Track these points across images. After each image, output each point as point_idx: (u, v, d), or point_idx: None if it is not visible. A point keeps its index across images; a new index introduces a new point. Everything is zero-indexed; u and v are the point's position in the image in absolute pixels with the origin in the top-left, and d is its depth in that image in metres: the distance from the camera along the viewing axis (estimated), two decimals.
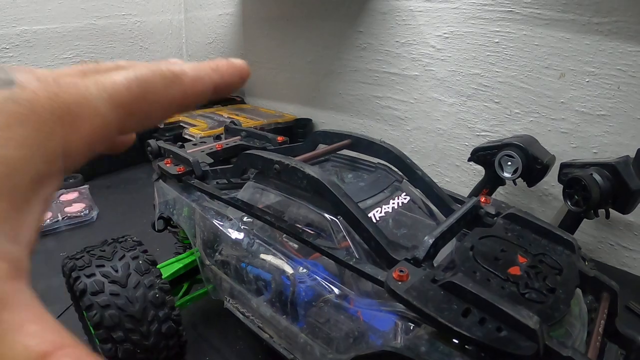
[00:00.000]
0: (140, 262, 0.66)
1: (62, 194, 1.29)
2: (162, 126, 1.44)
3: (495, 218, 0.57)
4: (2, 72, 0.19)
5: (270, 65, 1.82)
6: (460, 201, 0.66)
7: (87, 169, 1.43)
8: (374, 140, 0.71)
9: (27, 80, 0.19)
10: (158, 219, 0.83)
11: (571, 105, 1.05)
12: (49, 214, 1.18)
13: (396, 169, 0.70)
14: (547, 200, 1.15)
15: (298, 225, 0.60)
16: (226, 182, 0.79)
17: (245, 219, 0.68)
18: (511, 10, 1.08)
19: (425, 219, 0.64)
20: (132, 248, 0.68)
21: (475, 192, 1.10)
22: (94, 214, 1.22)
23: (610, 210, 0.93)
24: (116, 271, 0.63)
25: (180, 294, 0.82)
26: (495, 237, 0.52)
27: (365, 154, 0.73)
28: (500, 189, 1.15)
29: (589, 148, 1.05)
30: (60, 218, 1.17)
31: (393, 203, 0.62)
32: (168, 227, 0.86)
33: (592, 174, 0.89)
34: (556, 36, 1.03)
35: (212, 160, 0.82)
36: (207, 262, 0.73)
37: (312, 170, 0.54)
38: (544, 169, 0.98)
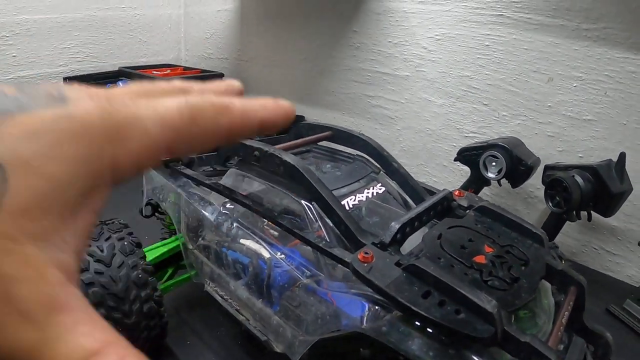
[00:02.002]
0: (126, 243, 0.67)
1: None
2: None
3: (467, 210, 0.58)
4: (55, 90, 0.20)
5: (265, 62, 1.82)
6: (434, 194, 0.67)
7: None
8: (353, 132, 0.72)
9: (80, 98, 0.20)
10: (146, 204, 0.85)
11: (558, 110, 1.05)
12: None
13: (374, 161, 0.71)
14: (532, 203, 1.15)
15: (275, 211, 0.60)
16: (212, 169, 0.80)
17: (228, 205, 0.69)
18: (502, 14, 1.09)
19: (400, 209, 0.65)
20: (118, 230, 0.69)
21: None
22: None
23: (593, 213, 0.93)
24: (102, 251, 0.64)
25: (165, 278, 0.82)
26: (464, 228, 0.53)
27: (345, 145, 0.74)
28: (486, 190, 1.16)
29: (575, 152, 1.05)
30: None
31: (367, 192, 0.63)
32: (155, 214, 0.87)
33: (573, 176, 0.90)
34: (545, 41, 1.04)
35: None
36: (190, 247, 0.74)
37: (288, 157, 0.55)
38: (528, 171, 0.99)
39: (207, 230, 0.70)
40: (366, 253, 0.45)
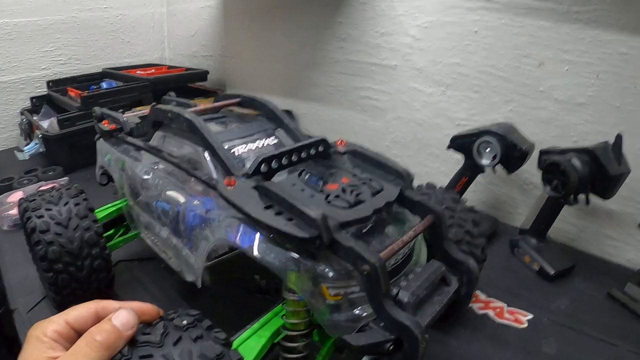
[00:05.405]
0: (81, 208, 0.93)
1: (41, 186, 1.49)
2: None
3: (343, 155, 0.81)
4: None
5: (251, 57, 2.00)
6: None
7: (67, 162, 1.67)
8: (255, 98, 0.98)
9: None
10: (101, 174, 1.13)
11: (550, 94, 1.19)
12: None
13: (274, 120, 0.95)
14: (528, 189, 1.29)
15: (183, 160, 0.85)
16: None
17: (160, 165, 0.92)
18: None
19: None
20: (75, 195, 0.96)
21: (455, 180, 1.26)
22: None
23: (592, 197, 1.06)
24: (61, 214, 0.90)
25: (119, 235, 1.12)
26: (330, 166, 0.76)
27: (250, 109, 1.00)
28: (480, 178, 1.29)
29: (569, 136, 1.18)
30: None
31: (258, 143, 0.86)
32: (111, 181, 1.12)
33: (570, 159, 1.03)
34: (535, 25, 1.17)
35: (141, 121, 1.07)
36: (131, 203, 1.00)
37: (189, 115, 0.80)
38: (523, 156, 1.12)
39: (141, 187, 0.93)
40: (229, 179, 0.68)
